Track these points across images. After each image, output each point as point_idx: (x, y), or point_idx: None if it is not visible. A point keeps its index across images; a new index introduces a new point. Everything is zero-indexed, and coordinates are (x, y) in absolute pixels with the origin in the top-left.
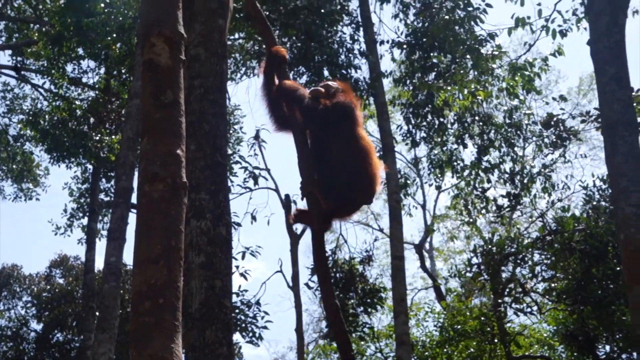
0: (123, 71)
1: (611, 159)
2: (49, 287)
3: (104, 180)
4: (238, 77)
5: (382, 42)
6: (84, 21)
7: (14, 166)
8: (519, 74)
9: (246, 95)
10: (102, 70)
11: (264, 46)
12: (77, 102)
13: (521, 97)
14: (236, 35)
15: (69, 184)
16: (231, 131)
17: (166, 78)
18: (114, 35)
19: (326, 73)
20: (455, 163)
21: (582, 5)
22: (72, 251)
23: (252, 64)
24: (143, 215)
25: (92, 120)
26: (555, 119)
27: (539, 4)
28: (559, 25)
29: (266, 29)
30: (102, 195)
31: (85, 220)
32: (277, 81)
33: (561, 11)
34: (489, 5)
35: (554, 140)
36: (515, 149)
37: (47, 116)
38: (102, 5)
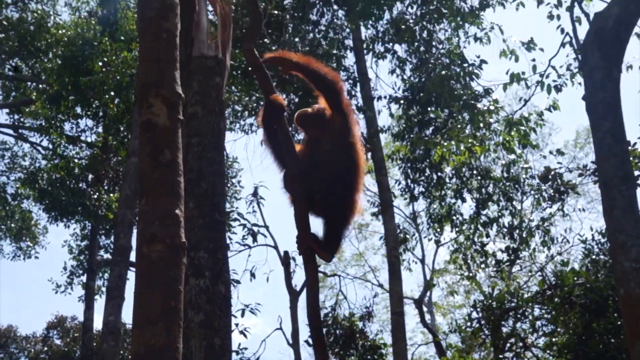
0: (121, 129)
1: (609, 214)
2: (46, 348)
3: (103, 236)
4: (236, 127)
5: (379, 98)
6: (82, 80)
7: (13, 224)
8: (514, 129)
9: (244, 151)
10: (100, 129)
11: (262, 101)
12: (76, 160)
13: (518, 152)
14: (233, 88)
15: (68, 242)
16: (229, 185)
17: (164, 138)
18: (112, 93)
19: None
20: (454, 217)
21: (575, 61)
22: (70, 311)
23: (249, 120)
24: (142, 276)
25: (90, 178)
26: (552, 172)
27: (534, 60)
28: (554, 81)
29: (264, 78)
30: (101, 252)
31: (85, 278)
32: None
33: (555, 66)
34: (483, 61)
35: (552, 194)
36: (514, 202)
37: (45, 175)
38: (100, 64)
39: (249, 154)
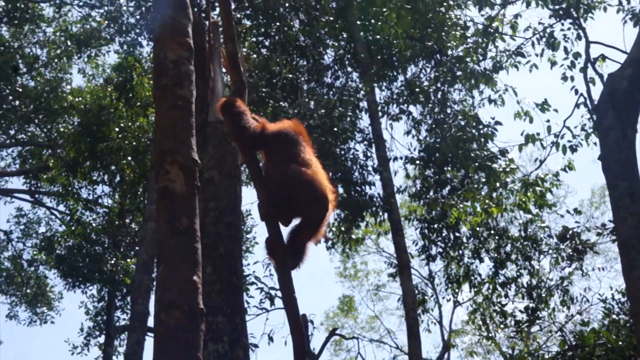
0: (138, 194)
1: (628, 273)
2: None
3: (119, 300)
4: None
5: (395, 159)
6: (98, 146)
7: (28, 290)
8: (530, 189)
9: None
10: (117, 194)
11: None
12: (93, 226)
13: (534, 212)
14: None
15: (85, 303)
16: (246, 247)
17: (181, 205)
18: (129, 158)
19: (341, 190)
20: (472, 277)
21: (590, 121)
22: None
23: None
24: (160, 343)
25: (107, 243)
26: (570, 232)
27: (548, 121)
28: (569, 141)
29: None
30: (118, 313)
31: (102, 339)
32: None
33: (570, 127)
34: (498, 123)
35: (571, 253)
36: (532, 262)
37: (61, 241)
38: (117, 130)
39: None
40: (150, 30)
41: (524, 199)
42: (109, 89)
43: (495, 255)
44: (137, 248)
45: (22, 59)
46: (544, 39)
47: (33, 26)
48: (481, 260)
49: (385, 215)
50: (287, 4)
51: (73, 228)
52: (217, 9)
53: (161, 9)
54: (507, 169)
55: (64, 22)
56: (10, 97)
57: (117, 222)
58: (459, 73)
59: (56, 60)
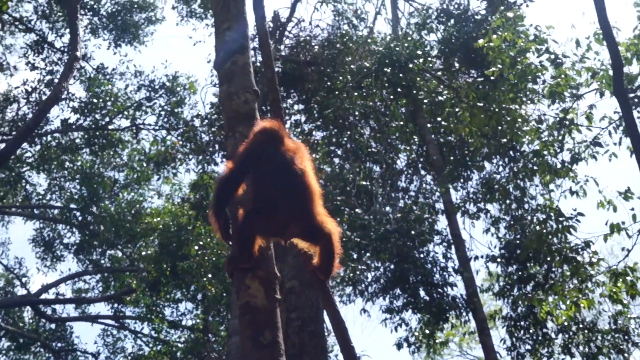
0: (221, 310)
1: None
2: None
3: None
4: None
5: (475, 258)
6: (179, 265)
7: None
8: (620, 280)
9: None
10: (200, 311)
11: (357, 272)
12: (179, 345)
13: (625, 302)
14: None
15: None
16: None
17: (263, 319)
18: (209, 275)
19: (422, 293)
20: None
21: None
22: None
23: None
24: None
25: None
26: None
27: (632, 209)
28: None
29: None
30: None
31: None
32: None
33: None
34: (580, 214)
35: None
36: (625, 355)
37: None
38: (196, 247)
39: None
40: (223, 147)
41: (614, 290)
42: (186, 208)
43: (586, 349)
44: None
45: (101, 185)
46: (621, 128)
47: (111, 151)
48: (572, 356)
49: (470, 315)
50: (356, 112)
51: (159, 347)
52: (288, 122)
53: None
54: (593, 261)
55: (142, 147)
56: (93, 222)
57: (202, 340)
58: (536, 168)
59: (134, 183)
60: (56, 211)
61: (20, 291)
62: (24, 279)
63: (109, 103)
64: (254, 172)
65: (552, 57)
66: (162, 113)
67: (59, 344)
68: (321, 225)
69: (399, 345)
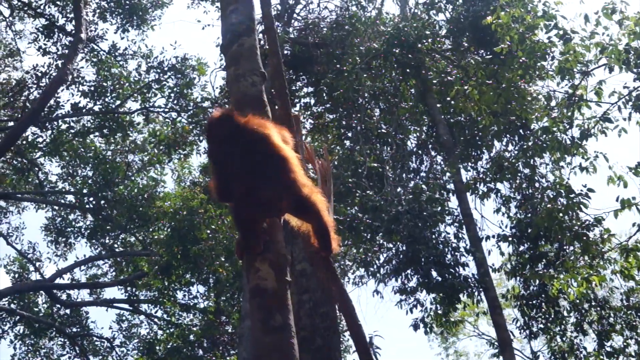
0: (233, 293)
1: None
2: None
3: None
4: (346, 280)
5: (487, 238)
6: (191, 249)
7: None
8: (631, 255)
9: (356, 304)
10: (212, 294)
11: (369, 254)
12: (192, 328)
13: (637, 278)
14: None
15: None
16: (345, 338)
17: (274, 302)
18: (222, 259)
19: (434, 274)
20: (577, 352)
21: None
22: None
23: (358, 272)
24: None
25: (206, 344)
26: None
27: None
28: None
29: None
30: None
31: None
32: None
33: None
34: (591, 190)
35: None
36: (638, 331)
37: (162, 344)
38: (208, 231)
39: (361, 306)
40: None
41: (625, 266)
42: (197, 191)
43: (599, 327)
44: (235, 347)
45: (115, 169)
46: (631, 103)
47: (123, 134)
48: (585, 334)
49: (482, 295)
50: (366, 94)
51: (172, 330)
52: (297, 105)
53: (240, 108)
54: (604, 237)
55: (153, 129)
56: (106, 206)
57: (215, 323)
58: (545, 145)
59: (148, 166)
60: (70, 197)
61: (34, 276)
62: (37, 264)
63: (118, 86)
64: (225, 161)
65: (561, 33)
66: (172, 95)
67: (74, 329)
68: (306, 198)
69: (415, 326)
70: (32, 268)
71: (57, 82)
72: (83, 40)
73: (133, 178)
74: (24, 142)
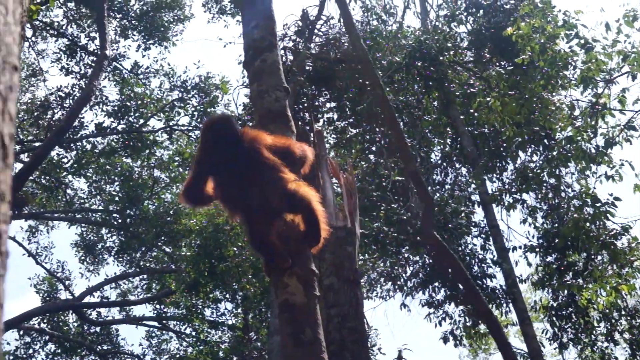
0: (261, 309)
1: None
2: None
3: None
4: (373, 294)
5: (514, 249)
6: (218, 267)
7: None
8: None
9: (384, 317)
10: (240, 310)
11: (396, 267)
12: (221, 346)
13: None
14: (366, 256)
15: None
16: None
17: (303, 316)
18: (249, 276)
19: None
20: None
21: None
22: None
23: (386, 286)
24: None
25: None
26: None
27: None
28: None
29: (450, 256)
30: None
31: None
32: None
33: None
34: (617, 199)
35: None
36: None
37: None
38: (234, 249)
39: (389, 320)
40: None
41: None
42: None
43: (630, 336)
44: None
45: (141, 187)
46: None
47: (148, 152)
48: (616, 343)
49: (510, 306)
50: None
51: (201, 348)
52: (321, 120)
53: (265, 123)
54: (632, 245)
55: (178, 148)
56: (133, 223)
57: (244, 339)
58: (570, 154)
59: (174, 184)
60: (98, 215)
61: (64, 294)
62: (67, 282)
63: (141, 105)
64: (213, 161)
65: (582, 42)
66: (195, 113)
67: (105, 347)
68: (295, 192)
69: (444, 339)
70: (61, 287)
71: (84, 99)
72: (107, 57)
73: (159, 195)
74: (50, 162)
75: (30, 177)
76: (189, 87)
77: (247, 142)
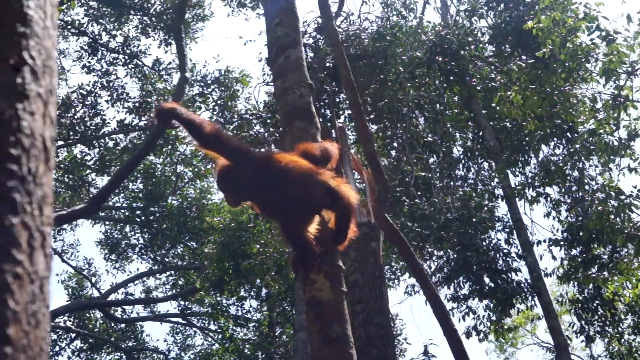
0: (285, 306)
1: None
2: None
3: None
4: (399, 288)
5: (538, 242)
6: (242, 264)
7: None
8: None
9: (410, 312)
10: (265, 308)
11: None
12: (247, 345)
13: None
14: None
15: None
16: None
17: (331, 312)
18: (273, 273)
19: (487, 280)
20: (636, 354)
21: None
22: None
23: (410, 281)
24: None
25: (261, 357)
26: None
27: None
28: None
29: (400, 241)
30: None
31: None
32: None
33: None
34: None
35: None
36: None
37: (217, 358)
38: (258, 246)
39: (414, 315)
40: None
41: None
42: (245, 206)
43: None
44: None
45: (164, 183)
46: None
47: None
48: None
49: (536, 299)
50: (410, 103)
51: (227, 345)
52: (342, 117)
53: (289, 120)
54: None
55: None
56: (156, 220)
57: (269, 336)
58: (592, 147)
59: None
60: (122, 212)
61: (91, 291)
62: (93, 279)
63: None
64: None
65: (604, 34)
66: (216, 108)
67: (130, 343)
68: (336, 188)
69: (467, 334)
70: (88, 283)
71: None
72: (188, 80)
73: (183, 190)
74: (73, 160)
75: (54, 176)
76: (209, 82)
77: (281, 165)
